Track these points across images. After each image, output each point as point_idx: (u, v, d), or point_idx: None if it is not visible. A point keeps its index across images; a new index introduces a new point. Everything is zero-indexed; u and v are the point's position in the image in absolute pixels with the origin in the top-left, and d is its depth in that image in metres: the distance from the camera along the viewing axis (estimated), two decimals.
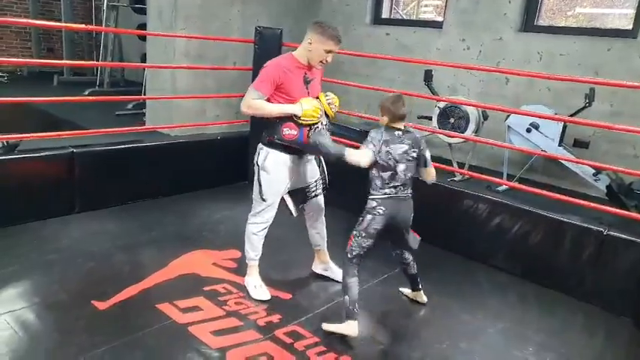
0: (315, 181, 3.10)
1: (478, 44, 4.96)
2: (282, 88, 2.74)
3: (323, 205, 3.22)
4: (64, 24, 7.71)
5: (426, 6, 6.80)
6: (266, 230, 3.04)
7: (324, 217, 3.27)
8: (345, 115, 5.01)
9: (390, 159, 2.62)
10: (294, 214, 3.10)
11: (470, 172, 4.19)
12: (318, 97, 2.88)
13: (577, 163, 3.86)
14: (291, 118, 2.76)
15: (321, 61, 2.79)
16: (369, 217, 2.67)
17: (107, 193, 4.13)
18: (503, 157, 4.32)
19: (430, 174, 2.82)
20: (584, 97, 3.88)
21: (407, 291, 3.22)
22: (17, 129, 3.74)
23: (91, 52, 9.08)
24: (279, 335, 2.66)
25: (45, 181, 3.78)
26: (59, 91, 7.14)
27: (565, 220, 3.48)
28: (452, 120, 4.31)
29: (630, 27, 4.28)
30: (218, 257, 3.45)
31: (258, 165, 2.88)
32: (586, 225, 3.41)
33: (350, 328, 2.68)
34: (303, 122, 2.76)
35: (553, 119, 3.93)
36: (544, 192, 3.66)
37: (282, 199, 3.03)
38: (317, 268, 3.40)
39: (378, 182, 2.65)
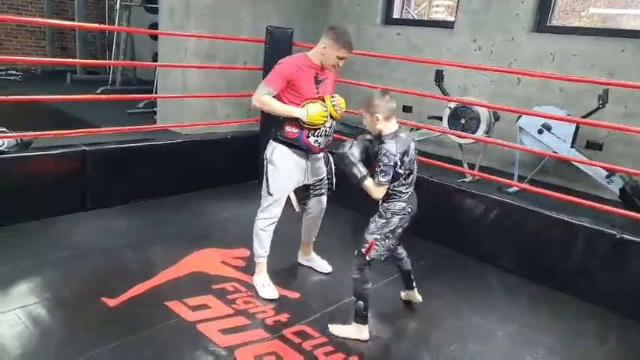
0: (321, 180, 3.15)
1: (490, 45, 4.93)
2: (293, 85, 2.81)
3: (325, 205, 3.26)
4: (77, 23, 7.79)
5: (437, 6, 6.78)
6: (273, 226, 3.06)
7: (322, 216, 3.31)
8: (355, 116, 5.01)
9: (410, 163, 2.61)
10: (297, 209, 3.20)
11: (480, 173, 4.16)
12: (324, 99, 2.90)
13: (589, 164, 3.82)
14: (295, 118, 2.82)
15: (333, 65, 2.86)
16: (396, 218, 2.62)
17: (118, 191, 4.16)
18: (514, 159, 4.29)
19: None
20: (597, 98, 3.84)
21: (403, 294, 3.16)
22: (31, 127, 3.78)
23: (103, 52, 9.18)
24: (288, 334, 2.67)
25: (57, 178, 3.82)
26: (72, 89, 7.22)
27: (577, 222, 3.44)
28: (463, 120, 4.28)
29: None
30: (227, 256, 3.46)
31: (266, 159, 2.96)
32: (598, 227, 3.37)
33: (362, 333, 2.68)
34: (307, 127, 2.82)
35: (565, 120, 3.89)
36: (555, 194, 3.62)
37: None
38: (301, 259, 3.48)
39: (402, 188, 2.62)
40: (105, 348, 2.39)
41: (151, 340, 2.51)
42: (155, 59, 6.64)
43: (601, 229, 3.36)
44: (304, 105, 2.81)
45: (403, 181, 2.60)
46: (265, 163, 2.96)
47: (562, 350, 2.84)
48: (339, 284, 3.24)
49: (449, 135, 4.42)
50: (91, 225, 3.78)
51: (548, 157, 4.11)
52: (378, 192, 2.56)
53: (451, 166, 4.22)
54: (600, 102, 3.82)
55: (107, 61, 8.85)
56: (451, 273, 3.63)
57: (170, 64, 5.02)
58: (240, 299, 2.96)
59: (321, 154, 3.10)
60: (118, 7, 7.48)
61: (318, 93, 2.87)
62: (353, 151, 2.60)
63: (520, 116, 4.18)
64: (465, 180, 4.20)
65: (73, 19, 8.35)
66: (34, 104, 5.45)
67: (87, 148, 3.91)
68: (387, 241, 2.64)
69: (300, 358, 2.49)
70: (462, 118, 4.29)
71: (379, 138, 2.58)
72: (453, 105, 4.37)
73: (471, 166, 4.39)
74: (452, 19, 5.43)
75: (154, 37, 6.83)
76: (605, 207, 3.39)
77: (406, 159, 2.57)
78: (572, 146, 4.00)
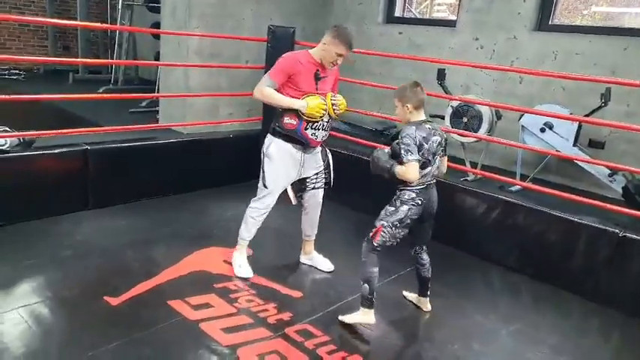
0: (317, 174, 3.20)
1: (492, 43, 4.92)
2: (293, 80, 2.90)
3: (321, 199, 3.30)
4: (79, 22, 7.80)
5: (439, 5, 6.77)
6: (264, 217, 3.17)
7: (319, 211, 3.33)
8: (358, 115, 5.01)
9: (429, 154, 2.63)
10: (293, 202, 3.27)
11: (483, 172, 4.15)
12: (325, 96, 2.97)
13: (592, 163, 3.81)
14: (295, 110, 2.90)
15: (331, 62, 2.93)
16: (405, 207, 2.66)
17: (120, 190, 4.16)
18: (516, 157, 4.28)
19: (445, 162, 2.87)
20: (599, 96, 3.83)
21: (412, 296, 3.16)
22: (33, 126, 3.79)
23: (106, 51, 9.18)
24: (290, 333, 2.66)
25: (59, 177, 3.82)
26: (74, 88, 7.23)
27: (580, 221, 3.44)
28: (465, 119, 4.28)
29: None
30: (229, 255, 3.45)
31: (263, 152, 3.06)
32: (601, 226, 3.36)
33: (368, 316, 2.72)
34: (306, 119, 2.90)
35: (568, 119, 3.88)
36: (558, 192, 3.61)
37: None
38: (303, 258, 3.49)
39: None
40: (107, 347, 2.39)
41: (153, 339, 2.51)
42: (157, 58, 6.65)
43: (604, 227, 3.35)
44: (304, 97, 2.89)
45: (420, 169, 2.61)
46: (262, 156, 3.07)
47: (566, 349, 2.84)
48: (341, 283, 3.24)
49: (451, 134, 4.41)
50: (93, 224, 3.78)
51: (550, 156, 4.10)
52: (410, 172, 2.57)
53: (453, 164, 4.21)
54: (603, 100, 3.81)
55: (109, 61, 8.86)
56: (454, 272, 3.63)
57: (172, 64, 5.02)
58: (243, 298, 2.96)
59: (319, 149, 3.17)
60: (120, 7, 7.48)
61: (317, 89, 2.94)
62: (379, 154, 2.71)
63: (522, 115, 4.17)
64: (468, 179, 4.20)
65: (75, 19, 8.36)
66: (36, 103, 5.46)
67: (89, 148, 3.91)
68: (394, 229, 2.67)
69: (303, 356, 2.49)
70: (464, 116, 4.28)
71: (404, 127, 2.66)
72: (455, 104, 4.36)
73: (474, 165, 4.39)
74: (454, 17, 5.42)
75: (156, 37, 6.83)
76: (608, 206, 3.39)
77: (425, 146, 2.60)
78: (574, 145, 3.99)
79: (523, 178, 4.16)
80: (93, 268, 3.14)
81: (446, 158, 2.85)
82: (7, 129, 3.57)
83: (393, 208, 2.69)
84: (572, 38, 4.46)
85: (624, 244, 3.26)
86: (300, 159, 3.07)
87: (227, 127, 5.06)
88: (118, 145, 4.15)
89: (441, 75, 4.52)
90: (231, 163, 4.96)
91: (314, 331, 2.70)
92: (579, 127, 4.00)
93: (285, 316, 2.83)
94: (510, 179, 3.97)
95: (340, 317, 2.80)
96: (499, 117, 4.32)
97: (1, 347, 2.32)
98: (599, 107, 3.85)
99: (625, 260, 3.28)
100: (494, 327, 2.99)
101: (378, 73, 5.57)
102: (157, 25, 6.70)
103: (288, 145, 3.00)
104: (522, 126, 4.18)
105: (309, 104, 2.86)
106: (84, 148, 3.89)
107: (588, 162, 3.84)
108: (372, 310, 2.72)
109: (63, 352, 2.36)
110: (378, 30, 5.82)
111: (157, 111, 5.45)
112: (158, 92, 5.68)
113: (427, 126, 2.64)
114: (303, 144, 3.01)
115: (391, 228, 2.67)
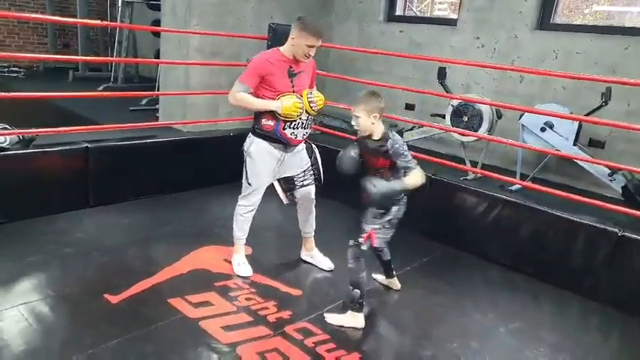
0: (304, 172, 3.21)
1: (493, 42, 4.91)
2: (267, 81, 2.90)
3: (313, 196, 3.31)
4: (79, 20, 7.79)
5: (440, 3, 6.77)
6: (252, 213, 3.19)
7: (314, 207, 3.35)
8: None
9: None
10: (285, 201, 3.29)
11: (483, 171, 4.15)
12: (302, 94, 2.97)
13: (592, 162, 3.81)
14: (272, 111, 2.90)
15: (304, 55, 2.92)
16: (395, 208, 2.71)
17: (120, 188, 4.17)
18: (516, 157, 4.28)
19: None
20: (600, 96, 3.83)
21: (380, 277, 3.24)
22: (33, 124, 3.79)
23: (106, 49, 9.17)
24: (290, 331, 2.67)
25: (60, 175, 3.82)
26: (74, 86, 7.23)
27: (579, 220, 3.44)
28: (465, 118, 4.28)
29: None
30: (229, 253, 3.45)
31: (244, 151, 3.10)
32: (600, 225, 3.37)
33: (357, 320, 2.74)
34: (283, 119, 2.90)
35: (568, 118, 3.88)
36: (558, 192, 3.62)
37: (273, 186, 3.21)
38: (304, 255, 3.50)
39: (401, 175, 2.68)
40: (107, 345, 2.39)
41: (153, 337, 2.51)
42: (157, 56, 6.64)
43: (603, 227, 3.35)
44: (279, 98, 2.89)
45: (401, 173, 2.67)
46: (244, 155, 3.11)
47: (565, 347, 2.84)
48: (340, 281, 3.23)
49: (451, 133, 4.41)
50: (94, 222, 3.78)
51: (550, 155, 4.10)
52: (418, 178, 2.62)
53: (453, 163, 4.22)
54: (603, 100, 3.81)
55: (109, 58, 8.85)
56: (453, 270, 3.63)
57: (172, 62, 5.02)
58: (243, 296, 2.97)
59: (302, 146, 3.17)
60: (120, 4, 7.47)
61: (293, 87, 2.94)
62: (380, 184, 2.59)
63: (523, 114, 4.17)
64: (468, 178, 4.20)
65: (75, 16, 8.35)
66: (36, 101, 5.46)
67: (89, 145, 3.91)
68: (385, 230, 2.73)
69: (302, 354, 2.50)
70: (465, 115, 4.28)
71: (381, 140, 2.66)
72: (455, 102, 4.37)
73: (474, 164, 4.39)
74: (455, 16, 5.42)
75: (157, 34, 6.83)
76: (608, 205, 3.39)
77: None
78: (574, 144, 3.99)
79: (523, 177, 4.16)
80: (93, 265, 3.15)
81: None
82: (7, 126, 3.56)
83: (382, 211, 2.71)
84: (573, 37, 4.46)
85: (623, 243, 3.27)
86: (281, 157, 3.08)
87: (227, 125, 5.06)
88: (118, 143, 4.15)
89: (441, 74, 4.52)
90: (231, 162, 4.90)
91: (314, 330, 2.71)
92: (579, 126, 4.00)
93: (285, 314, 2.83)
94: (510, 178, 3.97)
95: (327, 316, 2.79)
96: (499, 116, 4.32)
97: (1, 344, 2.32)
98: (600, 106, 3.85)
99: (624, 259, 3.28)
100: (494, 325, 2.99)
101: (379, 72, 5.57)
102: (157, 22, 6.70)
103: (268, 145, 3.02)
104: (522, 125, 4.18)
105: (284, 104, 2.86)
106: (84, 146, 3.89)
107: (588, 161, 3.84)
108: (362, 314, 2.74)
109: (63, 350, 2.36)
110: (379, 28, 5.81)
111: (157, 109, 5.44)
112: (158, 90, 5.68)
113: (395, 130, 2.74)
114: (283, 143, 3.02)
115: (383, 229, 2.71)
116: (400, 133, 4.86)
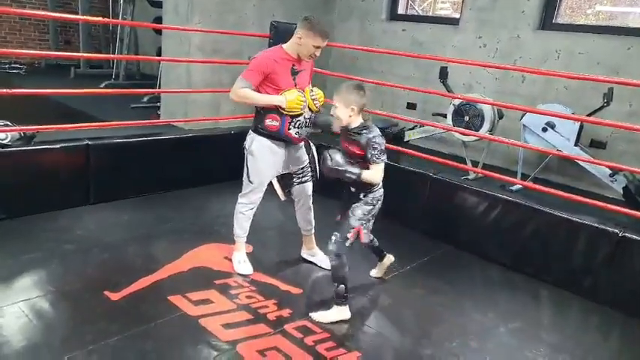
0: (302, 168, 3.21)
1: (495, 42, 4.91)
2: (270, 79, 2.89)
3: (310, 193, 3.31)
4: (81, 17, 7.79)
5: (442, 2, 6.76)
6: (253, 211, 3.18)
7: (311, 204, 3.33)
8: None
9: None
10: (282, 198, 3.29)
11: (484, 171, 4.15)
12: (304, 91, 2.97)
13: (593, 163, 3.81)
14: (275, 108, 2.90)
15: (310, 55, 2.92)
16: (379, 204, 2.79)
17: (121, 185, 4.17)
18: (517, 157, 4.28)
19: None
20: (602, 96, 3.83)
21: (374, 272, 3.30)
22: (34, 120, 3.78)
23: (107, 45, 9.18)
24: (290, 330, 2.67)
25: (61, 172, 3.82)
26: (76, 83, 7.23)
27: (580, 220, 3.44)
28: (467, 118, 4.28)
29: None
30: (230, 251, 3.45)
31: (245, 149, 3.09)
32: (601, 226, 3.36)
33: (344, 313, 2.79)
34: (287, 113, 2.89)
35: (570, 118, 3.88)
36: (559, 192, 3.61)
37: (271, 183, 3.20)
38: (304, 253, 3.50)
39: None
40: (107, 341, 2.40)
41: (153, 334, 2.51)
42: (159, 54, 6.64)
43: (604, 227, 3.35)
44: (282, 93, 2.89)
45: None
46: (245, 153, 3.09)
47: (565, 347, 2.84)
48: None
49: (453, 132, 4.41)
50: (94, 219, 3.79)
51: (551, 156, 4.10)
52: (377, 175, 2.66)
53: (455, 163, 4.21)
54: (605, 100, 3.81)
55: (111, 55, 8.85)
56: (453, 270, 3.63)
57: (174, 59, 5.02)
58: (243, 294, 2.97)
59: (302, 143, 3.17)
60: (122, 1, 7.47)
61: (295, 85, 2.94)
62: (337, 160, 2.66)
63: (524, 114, 4.17)
64: (469, 177, 4.20)
65: (76, 13, 8.35)
66: (37, 98, 5.45)
67: (90, 142, 3.91)
68: (368, 224, 2.80)
69: (302, 353, 2.50)
70: (466, 115, 4.28)
71: (358, 128, 2.68)
72: (457, 102, 4.36)
73: (475, 164, 4.39)
74: (457, 15, 5.41)
75: (158, 32, 6.83)
76: (609, 206, 3.38)
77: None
78: (576, 144, 3.99)
79: (524, 177, 4.16)
80: (94, 262, 3.15)
81: None
82: (9, 123, 3.56)
83: (370, 207, 2.75)
84: (576, 37, 4.46)
85: (624, 243, 3.26)
86: (283, 155, 3.08)
87: (228, 123, 5.06)
88: (120, 140, 4.14)
89: (443, 73, 4.52)
90: (232, 160, 4.91)
91: (313, 328, 2.71)
92: (581, 126, 4.00)
93: (285, 312, 2.83)
94: (511, 178, 3.97)
95: (312, 315, 2.79)
96: (501, 116, 4.32)
97: (2, 341, 2.33)
98: (602, 107, 3.85)
99: (624, 260, 3.28)
100: (493, 325, 2.99)
101: (380, 71, 5.57)
102: (158, 20, 6.69)
103: (270, 143, 3.01)
104: (524, 125, 4.18)
105: (288, 98, 2.86)
106: (85, 143, 3.89)
107: (589, 162, 3.84)
108: (347, 307, 2.79)
109: (63, 347, 2.36)
110: (381, 27, 5.81)
111: (159, 106, 5.45)
112: (160, 88, 5.68)
113: (375, 125, 2.72)
114: (285, 141, 3.02)
115: (368, 223, 2.79)
116: (402, 132, 4.86)
